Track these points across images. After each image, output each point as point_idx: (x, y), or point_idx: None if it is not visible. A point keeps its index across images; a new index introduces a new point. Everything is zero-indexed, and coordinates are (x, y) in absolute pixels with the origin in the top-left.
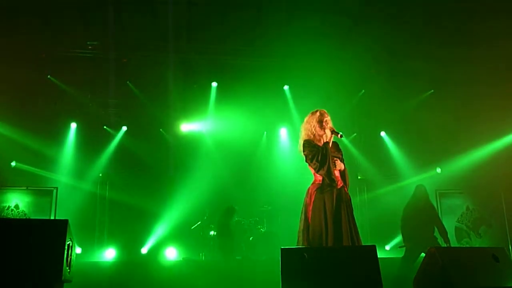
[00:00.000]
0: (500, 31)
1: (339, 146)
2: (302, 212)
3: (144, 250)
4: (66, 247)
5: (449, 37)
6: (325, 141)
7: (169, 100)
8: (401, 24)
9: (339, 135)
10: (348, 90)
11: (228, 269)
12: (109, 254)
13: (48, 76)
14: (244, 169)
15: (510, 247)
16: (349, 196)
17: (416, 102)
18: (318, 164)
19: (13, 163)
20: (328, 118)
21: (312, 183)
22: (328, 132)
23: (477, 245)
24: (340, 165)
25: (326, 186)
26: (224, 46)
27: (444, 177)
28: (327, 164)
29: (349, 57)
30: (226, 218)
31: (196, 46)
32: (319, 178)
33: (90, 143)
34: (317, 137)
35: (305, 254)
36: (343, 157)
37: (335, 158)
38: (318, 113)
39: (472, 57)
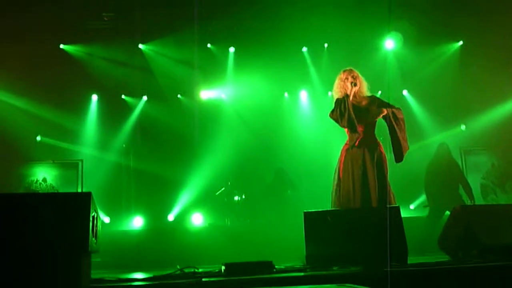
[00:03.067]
0: None
1: (377, 99)
2: (335, 172)
3: (170, 217)
4: (91, 219)
5: None
6: (346, 93)
7: (188, 67)
8: None
9: (353, 86)
10: (369, 47)
11: (253, 233)
12: (136, 222)
13: (61, 46)
14: (266, 133)
15: None
16: (384, 155)
17: (443, 56)
18: (337, 115)
19: (38, 138)
20: (355, 73)
21: (344, 144)
22: (349, 85)
23: (503, 201)
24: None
25: (355, 146)
26: (240, 7)
27: (469, 134)
28: (346, 115)
29: (369, 13)
30: (277, 180)
31: (211, 10)
32: (350, 138)
33: (112, 114)
34: (346, 92)
35: (328, 218)
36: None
37: (362, 113)
38: (342, 74)
39: (504, 7)
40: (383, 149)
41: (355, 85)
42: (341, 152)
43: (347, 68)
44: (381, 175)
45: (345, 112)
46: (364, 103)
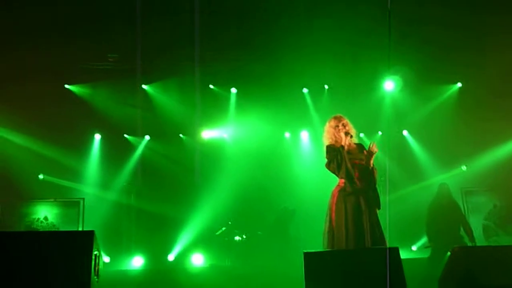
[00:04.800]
0: None
1: (364, 147)
2: (326, 214)
3: (171, 257)
4: (93, 257)
5: (480, 26)
6: (341, 144)
7: (190, 107)
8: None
9: (349, 137)
10: (369, 89)
11: (254, 274)
12: (136, 262)
13: (66, 86)
14: (267, 173)
15: None
16: (376, 197)
17: (442, 97)
18: (335, 167)
19: (40, 176)
20: (344, 121)
21: (336, 186)
22: (342, 135)
23: (505, 243)
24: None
25: (348, 189)
26: (243, 51)
27: (470, 175)
28: (343, 167)
29: (369, 56)
30: (283, 219)
31: (214, 53)
32: (342, 180)
33: (114, 153)
34: (339, 141)
35: (328, 258)
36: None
37: (357, 161)
38: (332, 120)
39: (505, 49)
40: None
41: (351, 136)
42: (333, 194)
43: (336, 115)
44: (375, 218)
45: (342, 164)
46: (355, 151)
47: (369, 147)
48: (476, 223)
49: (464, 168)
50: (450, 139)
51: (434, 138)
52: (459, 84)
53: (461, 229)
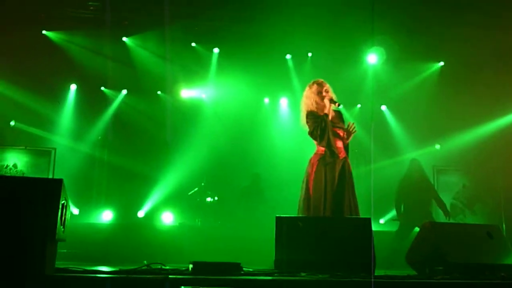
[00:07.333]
0: None
1: (343, 116)
2: (303, 181)
3: (141, 214)
4: (60, 206)
5: (459, 11)
6: (324, 112)
7: (170, 65)
8: None
9: (336, 105)
10: (352, 60)
11: (223, 235)
12: (106, 216)
13: (43, 32)
14: (244, 137)
15: (504, 226)
16: (351, 168)
17: (423, 75)
18: (317, 136)
19: (12, 123)
20: (327, 87)
21: (315, 153)
22: (327, 102)
23: (471, 222)
24: (344, 136)
25: (328, 157)
26: (228, 12)
27: (443, 154)
28: (326, 136)
29: (354, 27)
30: (253, 185)
31: (197, 11)
32: (322, 149)
33: (90, 105)
34: (321, 108)
35: (299, 223)
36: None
37: (337, 129)
38: (315, 86)
39: (483, 33)
40: (349, 161)
41: (335, 103)
42: (311, 162)
43: (318, 80)
44: (352, 188)
45: (325, 133)
46: (336, 120)
47: (349, 126)
48: (444, 201)
49: (437, 146)
50: (428, 117)
51: (412, 115)
52: (441, 63)
53: (431, 205)
